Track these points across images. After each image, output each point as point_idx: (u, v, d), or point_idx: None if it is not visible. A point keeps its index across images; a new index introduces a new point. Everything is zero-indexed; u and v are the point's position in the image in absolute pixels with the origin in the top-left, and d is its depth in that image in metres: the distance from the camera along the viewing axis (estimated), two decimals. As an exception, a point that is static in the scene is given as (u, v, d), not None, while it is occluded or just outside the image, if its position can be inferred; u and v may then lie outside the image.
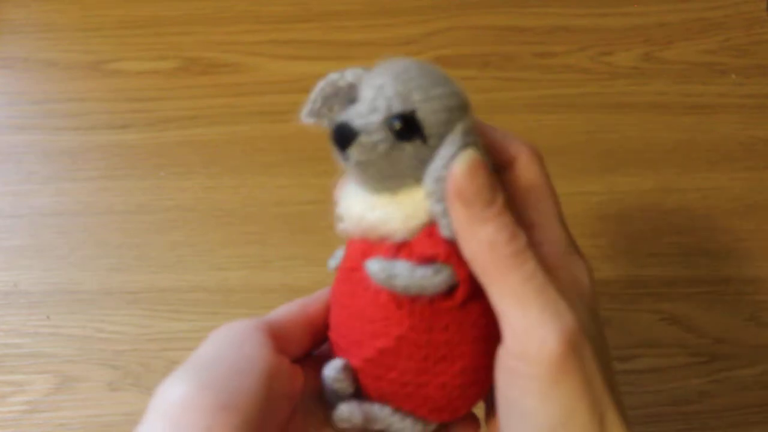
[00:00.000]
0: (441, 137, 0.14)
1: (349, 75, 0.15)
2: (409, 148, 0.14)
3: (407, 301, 0.15)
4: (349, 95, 0.15)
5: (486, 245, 0.14)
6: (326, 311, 0.17)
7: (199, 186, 0.33)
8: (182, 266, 0.31)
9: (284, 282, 0.30)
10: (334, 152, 0.15)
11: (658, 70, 0.36)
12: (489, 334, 0.15)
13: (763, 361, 0.29)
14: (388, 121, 0.14)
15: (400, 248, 0.15)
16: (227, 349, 0.15)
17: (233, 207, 0.32)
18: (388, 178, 0.15)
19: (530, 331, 0.13)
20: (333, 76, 0.15)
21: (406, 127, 0.14)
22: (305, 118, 0.15)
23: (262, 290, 0.30)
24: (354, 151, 0.14)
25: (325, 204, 0.17)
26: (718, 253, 0.31)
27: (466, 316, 0.15)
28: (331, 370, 0.16)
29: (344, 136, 0.14)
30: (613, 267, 0.31)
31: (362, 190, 0.15)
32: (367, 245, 0.15)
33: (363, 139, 0.14)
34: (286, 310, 0.17)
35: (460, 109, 0.14)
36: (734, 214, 0.32)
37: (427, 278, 0.14)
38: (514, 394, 0.14)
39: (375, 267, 0.14)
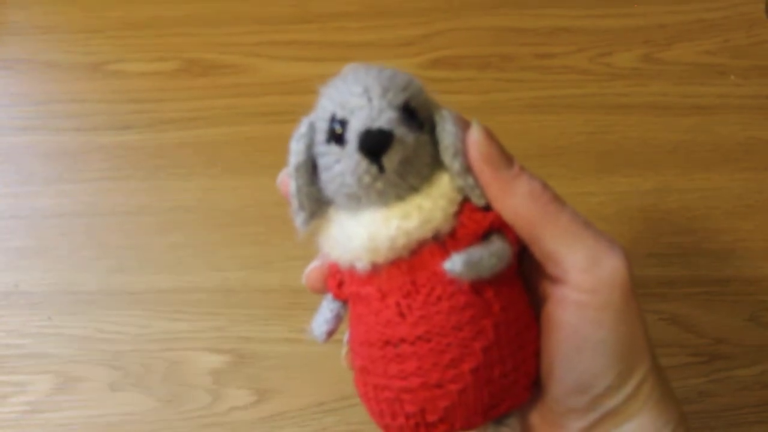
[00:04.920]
0: (427, 121, 0.14)
1: (299, 140, 0.14)
2: (420, 138, 0.14)
3: (484, 286, 0.14)
4: (316, 153, 0.14)
5: (527, 197, 0.14)
6: None
7: (200, 187, 0.33)
8: (183, 267, 0.31)
9: (285, 282, 0.30)
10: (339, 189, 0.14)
11: (658, 71, 0.36)
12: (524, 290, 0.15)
13: (763, 361, 0.29)
14: (400, 114, 0.14)
15: (445, 242, 0.14)
16: None
17: (233, 208, 0.32)
18: (416, 175, 0.14)
19: (599, 262, 0.14)
20: (291, 159, 0.14)
21: (413, 116, 0.14)
22: (305, 226, 0.15)
23: (262, 291, 0.30)
24: (394, 154, 0.13)
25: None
26: (718, 254, 0.31)
27: (514, 277, 0.15)
28: None
29: (381, 141, 0.13)
30: (613, 267, 0.31)
31: (361, 213, 0.14)
32: (406, 266, 0.14)
33: (397, 136, 0.13)
34: None
35: (422, 91, 0.15)
36: (734, 214, 0.32)
37: (502, 249, 0.14)
38: (585, 329, 0.14)
39: (458, 263, 0.13)
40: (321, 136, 0.14)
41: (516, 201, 0.14)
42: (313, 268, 0.16)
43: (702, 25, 0.37)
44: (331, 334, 0.16)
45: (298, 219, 0.15)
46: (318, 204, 0.15)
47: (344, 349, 0.17)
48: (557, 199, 0.15)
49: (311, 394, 0.28)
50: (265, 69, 0.36)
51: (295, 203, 0.15)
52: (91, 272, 0.31)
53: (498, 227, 0.14)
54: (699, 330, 0.29)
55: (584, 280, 0.14)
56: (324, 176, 0.14)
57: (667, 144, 0.34)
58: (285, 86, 0.36)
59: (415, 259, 0.14)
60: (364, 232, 0.14)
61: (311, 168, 0.15)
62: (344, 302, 0.16)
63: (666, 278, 0.30)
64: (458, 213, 0.14)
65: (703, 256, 0.31)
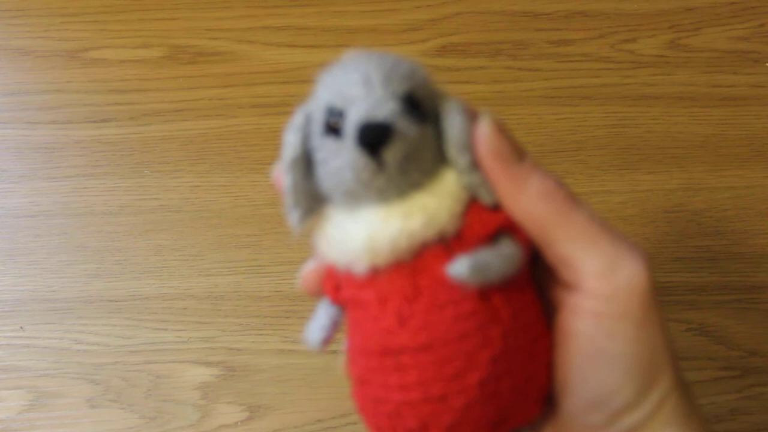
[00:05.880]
0: (432, 113, 0.14)
1: (294, 133, 0.14)
2: (424, 131, 0.13)
3: (492, 292, 0.13)
4: (311, 146, 0.14)
5: (541, 195, 0.13)
6: None
7: (187, 185, 0.32)
8: (168, 272, 0.30)
9: (278, 289, 0.29)
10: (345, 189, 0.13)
11: (685, 59, 0.35)
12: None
13: (802, 377, 0.27)
14: (403, 105, 0.13)
15: (450, 244, 0.13)
16: None
17: (223, 207, 0.31)
18: (419, 171, 0.13)
19: (617, 267, 0.13)
20: (286, 153, 0.14)
21: (417, 107, 0.13)
22: (300, 224, 0.14)
23: (254, 297, 0.29)
24: (395, 149, 0.12)
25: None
26: (751, 258, 0.29)
27: (525, 283, 0.14)
28: None
29: (380, 135, 0.12)
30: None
31: (360, 212, 0.13)
32: (408, 269, 0.13)
33: (399, 129, 0.12)
34: None
35: (427, 80, 0.14)
36: None
37: (512, 252, 0.14)
38: (601, 340, 0.14)
39: (463, 267, 0.13)
40: (317, 128, 0.14)
41: (528, 200, 0.14)
42: (309, 270, 0.16)
43: (734, 8, 0.36)
44: (327, 341, 0.15)
45: (293, 217, 0.14)
46: (314, 201, 0.14)
47: (342, 358, 0.16)
48: (573, 199, 0.14)
49: (307, 411, 0.27)
50: (257, 56, 0.35)
51: (289, 200, 0.14)
52: (68, 278, 0.30)
53: (508, 228, 0.14)
54: (730, 341, 0.28)
55: (601, 287, 0.13)
56: (320, 171, 0.14)
57: (695, 138, 0.32)
58: (279, 75, 0.35)
59: (418, 261, 0.13)
60: (363, 232, 0.13)
61: (307, 162, 0.14)
62: (342, 307, 0.15)
63: (694, 285, 0.29)
64: (465, 212, 0.14)
65: (734, 260, 0.30)
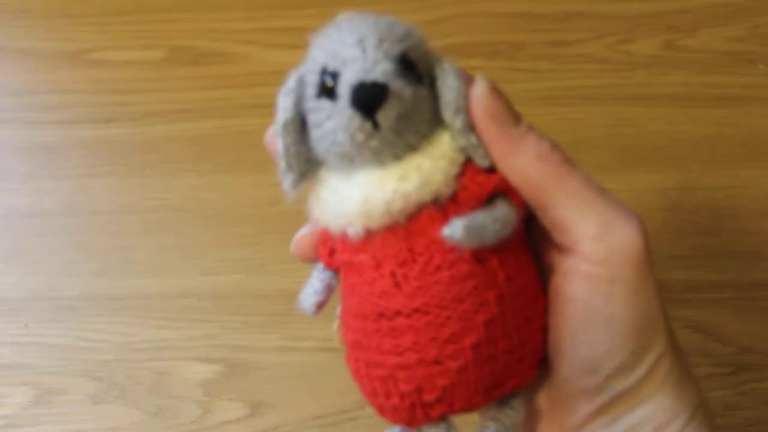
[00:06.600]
0: (427, 74, 0.14)
1: (287, 95, 0.14)
2: (419, 92, 0.13)
3: (488, 254, 0.13)
4: (305, 110, 0.14)
5: (535, 157, 0.13)
6: None
7: (189, 184, 0.32)
8: (171, 270, 0.30)
9: (280, 287, 0.29)
10: (345, 140, 0.13)
11: (681, 60, 0.35)
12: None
13: (796, 374, 0.27)
14: (398, 66, 0.13)
15: (446, 207, 0.13)
16: None
17: (225, 207, 0.31)
18: (414, 133, 0.13)
19: (612, 231, 0.13)
20: (279, 116, 0.14)
21: (412, 68, 0.13)
22: (293, 188, 0.14)
23: (256, 296, 0.29)
24: (389, 110, 0.12)
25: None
26: (746, 256, 0.30)
27: (520, 246, 0.14)
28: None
29: (375, 95, 0.12)
30: (634, 271, 0.30)
31: (354, 174, 0.13)
32: (403, 232, 0.13)
33: (394, 90, 0.12)
34: None
35: (422, 42, 0.14)
36: (763, 214, 0.31)
37: (508, 214, 0.13)
38: (595, 303, 0.14)
39: (458, 229, 0.13)
40: (311, 90, 0.13)
41: (523, 162, 0.13)
42: (303, 235, 0.15)
43: (729, 9, 0.36)
44: (321, 306, 0.15)
45: (286, 181, 0.14)
46: (308, 164, 0.14)
47: (335, 323, 0.16)
48: (568, 161, 0.14)
49: (308, 407, 0.27)
50: (258, 57, 0.35)
51: (282, 164, 0.14)
52: (72, 276, 0.30)
53: (503, 190, 0.14)
54: (725, 338, 0.28)
55: (595, 250, 0.13)
56: (314, 134, 0.14)
57: (691, 138, 0.33)
58: (280, 76, 0.34)
59: (413, 224, 0.13)
60: (358, 194, 0.13)
61: (300, 125, 0.14)
62: (336, 272, 0.15)
63: (690, 282, 0.29)
64: (460, 175, 0.13)
65: (730, 258, 0.29)
